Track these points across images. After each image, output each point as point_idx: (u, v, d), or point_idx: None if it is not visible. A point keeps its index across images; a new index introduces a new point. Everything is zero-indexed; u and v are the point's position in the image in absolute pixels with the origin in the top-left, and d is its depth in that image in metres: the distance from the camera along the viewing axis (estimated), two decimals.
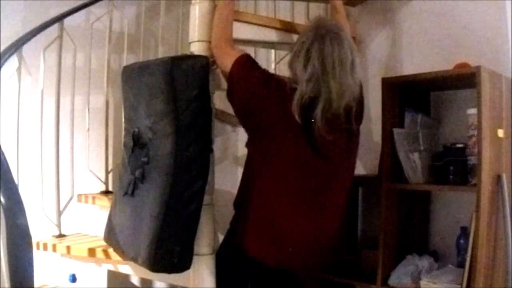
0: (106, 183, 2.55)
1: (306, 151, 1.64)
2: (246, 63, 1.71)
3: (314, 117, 1.59)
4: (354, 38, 2.41)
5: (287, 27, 2.10)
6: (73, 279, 2.27)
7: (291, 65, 1.66)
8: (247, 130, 1.76)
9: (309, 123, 1.60)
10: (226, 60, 1.71)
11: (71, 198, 2.38)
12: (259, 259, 1.68)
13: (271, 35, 2.06)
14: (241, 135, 2.70)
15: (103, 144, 2.55)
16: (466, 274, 1.71)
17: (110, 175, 2.56)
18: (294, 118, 1.59)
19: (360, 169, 2.41)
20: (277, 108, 1.63)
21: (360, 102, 1.74)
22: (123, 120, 1.97)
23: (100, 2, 2.46)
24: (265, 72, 1.73)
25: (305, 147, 1.64)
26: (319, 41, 1.60)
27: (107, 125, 2.56)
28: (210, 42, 1.80)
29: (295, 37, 2.13)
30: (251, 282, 1.72)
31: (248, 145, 1.77)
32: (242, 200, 1.77)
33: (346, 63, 1.60)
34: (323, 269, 1.94)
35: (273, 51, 2.75)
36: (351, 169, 1.77)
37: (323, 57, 1.58)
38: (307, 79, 1.58)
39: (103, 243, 2.04)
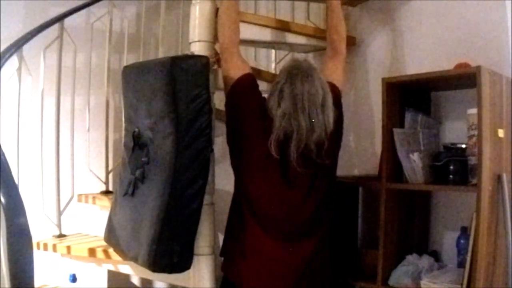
0: (107, 183, 2.55)
1: (281, 184, 1.71)
2: (251, 86, 1.78)
3: (289, 152, 1.66)
4: (354, 38, 2.42)
5: (287, 27, 2.10)
6: (74, 279, 2.27)
7: (267, 104, 1.72)
8: (230, 149, 1.80)
9: (285, 157, 1.67)
10: (232, 70, 1.77)
11: (71, 198, 2.38)
12: (238, 283, 1.73)
13: (271, 35, 2.06)
14: None
15: (103, 144, 2.55)
16: (466, 274, 1.71)
17: (110, 175, 2.56)
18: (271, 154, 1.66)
19: (360, 169, 2.41)
20: (262, 140, 1.68)
21: (335, 135, 1.78)
22: (123, 120, 1.97)
23: (100, 2, 2.46)
24: (263, 102, 1.76)
25: (280, 180, 1.71)
26: (291, 81, 1.68)
27: (107, 125, 2.56)
28: (210, 42, 1.80)
29: (295, 37, 2.14)
30: None
31: (231, 163, 1.81)
32: (228, 226, 1.82)
33: (317, 100, 1.66)
34: None
35: (273, 51, 2.75)
36: (318, 197, 1.79)
37: (294, 95, 1.66)
38: (281, 117, 1.65)
39: (104, 243, 2.04)
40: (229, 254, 1.79)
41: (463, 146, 1.86)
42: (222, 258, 1.83)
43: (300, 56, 2.51)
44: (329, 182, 1.83)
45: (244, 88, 1.76)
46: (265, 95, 1.78)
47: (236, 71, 1.76)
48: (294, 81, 1.67)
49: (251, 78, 1.79)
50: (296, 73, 1.69)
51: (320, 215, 1.79)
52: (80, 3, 2.39)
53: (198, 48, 1.80)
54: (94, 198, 2.45)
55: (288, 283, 1.74)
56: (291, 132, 1.65)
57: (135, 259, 1.74)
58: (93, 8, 2.55)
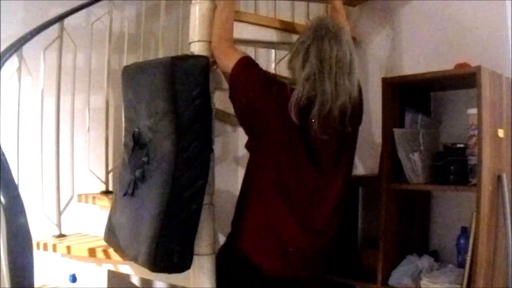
0: (106, 183, 2.55)
1: (302, 156, 1.65)
2: (247, 66, 1.71)
3: (310, 118, 1.60)
4: (354, 38, 2.41)
5: (287, 27, 2.10)
6: (73, 279, 2.27)
7: (290, 64, 1.67)
8: (247, 132, 1.76)
9: (306, 124, 1.61)
10: (227, 61, 1.72)
11: (71, 198, 2.38)
12: (256, 264, 1.69)
13: (271, 35, 2.06)
14: (241, 135, 2.70)
15: (103, 144, 2.55)
16: (466, 274, 1.71)
17: (110, 175, 2.56)
18: (292, 120, 1.60)
19: (360, 169, 2.41)
20: (276, 110, 1.64)
21: (358, 104, 1.74)
22: (123, 120, 1.97)
23: (100, 2, 2.46)
24: (265, 74, 1.73)
25: (301, 151, 1.65)
26: (318, 41, 1.60)
27: (107, 125, 2.56)
28: (210, 42, 1.80)
29: (295, 37, 2.13)
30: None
31: (247, 146, 1.78)
32: (242, 202, 1.78)
33: (344, 64, 1.60)
34: (320, 278, 1.94)
35: (273, 51, 2.75)
36: (343, 172, 1.76)
37: (321, 57, 1.58)
38: (305, 79, 1.59)
39: (103, 243, 2.04)
40: (247, 233, 1.73)
41: (463, 146, 1.86)
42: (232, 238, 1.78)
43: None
44: (351, 160, 1.77)
45: (243, 72, 1.70)
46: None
47: (230, 62, 1.71)
48: (322, 43, 1.59)
49: (246, 59, 1.72)
50: (324, 34, 1.61)
51: (343, 193, 1.75)
52: (80, 3, 2.39)
53: (198, 48, 1.80)
54: (94, 198, 2.45)
55: (308, 265, 1.71)
56: (314, 97, 1.58)
57: (135, 259, 1.74)
58: (93, 8, 2.55)
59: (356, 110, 1.71)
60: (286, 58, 2.62)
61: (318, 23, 1.67)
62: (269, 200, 1.69)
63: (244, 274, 1.72)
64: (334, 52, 1.59)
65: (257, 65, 1.76)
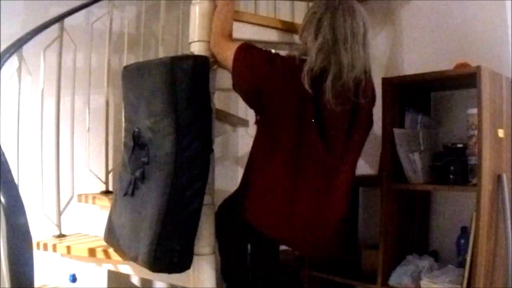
0: (106, 183, 2.55)
1: (313, 129, 1.62)
2: (247, 50, 1.69)
3: (324, 88, 1.57)
4: None
5: (287, 27, 2.09)
6: (73, 279, 2.27)
7: (301, 35, 1.64)
8: (257, 112, 1.74)
9: (319, 94, 1.58)
10: (227, 53, 1.70)
11: (71, 198, 2.38)
12: (261, 229, 1.67)
13: (271, 35, 2.06)
14: (241, 135, 2.70)
15: (103, 144, 2.55)
16: (466, 274, 1.71)
17: (110, 175, 2.56)
18: (303, 91, 1.57)
19: (360, 169, 2.41)
20: (284, 83, 1.61)
21: (370, 77, 1.70)
22: (123, 120, 1.97)
23: (100, 2, 2.46)
24: (267, 52, 1.71)
25: (312, 123, 1.62)
26: (331, 11, 1.58)
27: (107, 125, 2.56)
28: (210, 42, 1.79)
29: (295, 37, 2.14)
30: (251, 248, 1.73)
31: (257, 122, 1.75)
32: (249, 175, 1.75)
33: (358, 34, 1.58)
34: (328, 253, 1.89)
35: (273, 51, 2.75)
36: (357, 148, 1.73)
37: (335, 27, 1.56)
38: (318, 49, 1.56)
39: (103, 243, 2.04)
40: (258, 203, 1.70)
41: (463, 146, 1.86)
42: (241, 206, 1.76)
43: None
44: (362, 139, 1.74)
45: (243, 56, 1.67)
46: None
47: (229, 51, 1.69)
48: (335, 13, 1.57)
49: (245, 45, 1.70)
50: (337, 4, 1.58)
51: (351, 165, 1.72)
52: (80, 3, 2.39)
53: (198, 48, 1.80)
54: (94, 198, 2.45)
55: (322, 236, 1.70)
56: (327, 67, 1.56)
57: (135, 259, 1.74)
58: (93, 8, 2.55)
59: (369, 86, 1.69)
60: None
61: None
62: (279, 171, 1.66)
63: (248, 237, 1.73)
64: (348, 23, 1.56)
65: (256, 47, 1.73)
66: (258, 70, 1.66)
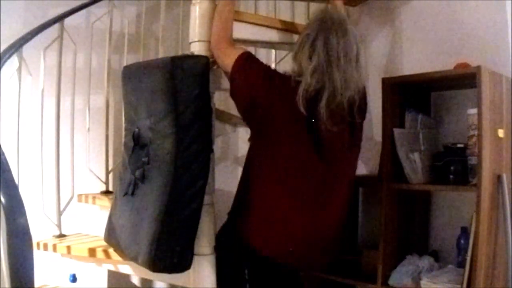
0: (107, 183, 2.55)
1: (309, 147, 1.64)
2: (247, 60, 1.71)
3: (319, 109, 1.58)
4: None
5: (287, 27, 2.09)
6: (74, 279, 2.27)
7: (295, 57, 1.66)
8: (251, 126, 1.75)
9: (314, 115, 1.60)
10: (227, 60, 1.72)
11: (71, 198, 2.38)
12: (259, 250, 1.67)
13: (271, 35, 2.06)
14: (241, 135, 2.70)
15: (103, 144, 2.55)
16: (466, 274, 1.71)
17: (110, 175, 2.56)
18: (298, 112, 1.59)
19: (360, 169, 2.41)
20: (281, 102, 1.63)
21: (363, 96, 1.73)
22: (123, 120, 1.97)
23: (100, 2, 2.46)
24: (267, 68, 1.73)
25: (308, 142, 1.64)
26: (325, 33, 1.60)
27: (107, 125, 2.56)
28: (210, 42, 1.80)
29: (295, 37, 2.13)
30: (249, 272, 1.71)
31: (251, 139, 1.76)
32: (244, 192, 1.76)
33: (351, 54, 1.60)
34: (323, 268, 1.94)
35: (273, 51, 2.75)
36: (353, 164, 1.77)
37: (328, 48, 1.58)
38: (312, 71, 1.58)
39: (104, 243, 2.04)
40: (251, 221, 1.71)
41: (463, 146, 1.86)
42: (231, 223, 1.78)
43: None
44: (358, 151, 1.77)
45: (243, 66, 1.69)
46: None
47: (230, 59, 1.70)
48: (328, 34, 1.59)
49: (246, 54, 1.72)
50: (330, 25, 1.61)
51: (348, 180, 1.74)
52: (80, 3, 2.39)
53: (198, 48, 1.80)
54: (94, 198, 2.45)
55: (313, 252, 1.72)
56: (322, 88, 1.58)
57: (135, 259, 1.74)
58: (93, 8, 2.55)
59: (362, 102, 1.71)
60: (287, 58, 2.64)
61: (324, 15, 1.67)
62: (275, 190, 1.67)
63: (242, 257, 1.71)
64: (341, 44, 1.59)
65: (257, 59, 1.75)
66: (255, 83, 1.67)
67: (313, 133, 1.63)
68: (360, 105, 1.66)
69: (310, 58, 1.59)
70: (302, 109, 1.57)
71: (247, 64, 1.70)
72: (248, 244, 1.70)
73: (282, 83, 1.64)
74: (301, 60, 1.62)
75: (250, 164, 1.76)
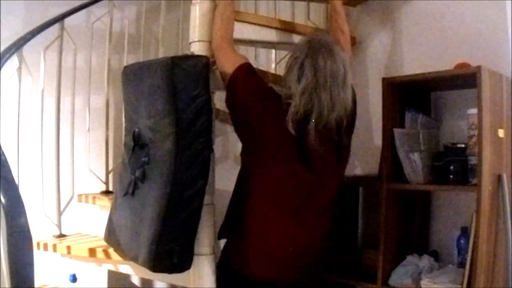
0: (107, 183, 2.55)
1: (298, 166, 1.68)
2: (247, 73, 1.74)
3: (307, 130, 1.63)
4: (354, 38, 2.41)
5: (287, 27, 2.10)
6: (74, 279, 2.27)
7: (284, 79, 1.70)
8: (242, 138, 1.78)
9: (303, 136, 1.64)
10: (227, 65, 1.73)
11: (71, 198, 2.38)
12: (249, 273, 1.70)
13: (271, 35, 2.06)
14: None
15: (104, 144, 2.55)
16: (466, 274, 1.71)
17: (110, 175, 2.56)
18: (288, 132, 1.63)
19: (360, 169, 2.41)
20: (272, 121, 1.67)
21: (352, 115, 1.77)
22: (123, 120, 1.97)
23: (100, 2, 2.46)
24: (264, 83, 1.76)
25: (297, 162, 1.67)
26: (312, 56, 1.64)
27: (107, 125, 2.56)
28: (210, 42, 1.80)
29: (295, 37, 2.14)
30: None
31: (242, 154, 1.80)
32: (234, 211, 1.80)
33: (338, 77, 1.64)
34: (314, 283, 1.96)
35: (273, 51, 2.75)
36: (339, 182, 1.80)
37: (316, 71, 1.62)
38: (301, 93, 1.62)
39: (104, 243, 2.04)
40: (239, 244, 1.75)
41: (463, 146, 1.86)
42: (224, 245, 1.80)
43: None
44: (345, 165, 1.80)
45: (242, 79, 1.72)
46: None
47: (230, 65, 1.73)
48: (316, 57, 1.63)
49: (247, 66, 1.75)
50: (318, 48, 1.65)
51: (334, 198, 1.77)
52: (80, 3, 2.39)
53: (198, 48, 1.80)
54: (94, 198, 2.45)
55: (300, 268, 1.73)
56: (310, 109, 1.61)
57: (135, 259, 1.74)
58: (93, 8, 2.55)
59: (350, 121, 1.75)
60: (287, 58, 2.64)
61: (312, 39, 1.72)
62: (261, 209, 1.71)
63: (229, 281, 1.74)
64: (328, 66, 1.63)
65: (256, 73, 1.78)
66: (252, 98, 1.71)
67: (302, 153, 1.67)
68: (347, 126, 1.70)
69: (299, 80, 1.63)
70: (291, 130, 1.62)
71: (247, 76, 1.73)
72: (229, 264, 1.74)
73: (276, 101, 1.68)
74: (290, 83, 1.65)
75: (241, 183, 1.80)
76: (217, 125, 1.87)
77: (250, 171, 1.75)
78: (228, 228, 1.81)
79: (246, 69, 1.73)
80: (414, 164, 1.90)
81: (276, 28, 2.05)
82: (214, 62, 1.77)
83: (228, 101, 1.76)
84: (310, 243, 1.74)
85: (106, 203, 2.33)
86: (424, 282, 1.84)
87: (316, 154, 1.66)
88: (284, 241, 1.70)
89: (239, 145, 2.00)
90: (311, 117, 1.62)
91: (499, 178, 1.76)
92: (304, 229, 1.71)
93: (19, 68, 2.18)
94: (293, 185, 1.70)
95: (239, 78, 1.71)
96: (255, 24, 1.99)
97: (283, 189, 1.70)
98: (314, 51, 1.65)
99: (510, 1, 1.97)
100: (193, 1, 1.82)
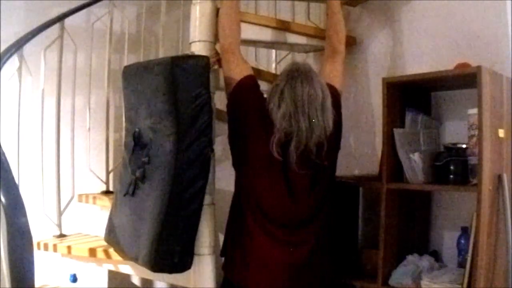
0: (107, 183, 2.55)
1: (281, 190, 1.73)
2: (252, 87, 1.79)
3: (289, 153, 1.67)
4: (354, 38, 2.42)
5: (288, 27, 2.10)
6: (74, 279, 2.28)
7: (267, 105, 1.73)
8: (232, 151, 1.81)
9: (285, 158, 1.69)
10: (235, 70, 1.78)
11: (71, 198, 2.38)
12: (243, 285, 1.74)
13: (272, 35, 2.06)
14: None
15: (104, 144, 2.55)
16: (466, 274, 1.71)
17: (110, 175, 2.56)
18: (273, 157, 1.68)
19: (360, 169, 2.41)
20: (262, 140, 1.70)
21: (335, 139, 1.81)
22: (123, 120, 1.97)
23: (100, 2, 2.46)
24: (264, 101, 1.77)
25: (281, 185, 1.73)
26: (291, 83, 1.69)
27: (107, 125, 2.57)
28: (210, 42, 1.80)
29: (295, 37, 2.14)
30: None
31: (234, 166, 1.83)
32: (229, 228, 1.84)
33: (316, 102, 1.68)
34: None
35: (273, 51, 2.75)
36: (313, 202, 1.82)
37: (294, 97, 1.67)
38: (281, 118, 1.67)
39: (104, 243, 2.04)
40: (231, 256, 1.80)
41: (463, 146, 1.86)
42: (223, 258, 1.83)
43: (300, 57, 2.51)
44: (328, 184, 1.84)
45: (246, 90, 1.77)
46: (266, 96, 1.78)
47: (238, 72, 1.78)
48: (295, 83, 1.69)
49: (253, 80, 1.81)
50: (297, 75, 1.71)
51: (319, 216, 1.81)
52: (80, 3, 2.39)
53: (198, 48, 1.80)
54: (94, 198, 2.45)
55: (289, 283, 1.75)
56: (291, 133, 1.67)
57: (135, 259, 1.74)
58: (94, 8, 2.55)
59: (332, 145, 1.79)
60: (287, 58, 2.64)
61: (292, 67, 1.77)
62: (247, 220, 1.75)
63: None
64: (306, 91, 1.68)
65: (259, 87, 1.84)
66: (249, 115, 1.76)
67: (284, 173, 1.72)
68: (329, 147, 1.73)
69: (279, 106, 1.68)
70: (275, 154, 1.67)
71: (252, 90, 1.79)
72: (232, 281, 1.77)
73: (270, 124, 1.70)
74: (272, 109, 1.69)
75: (234, 196, 1.85)
76: (217, 125, 1.87)
77: (240, 186, 1.81)
78: (225, 242, 1.85)
79: (251, 84, 1.80)
80: (414, 164, 1.90)
81: (276, 28, 2.05)
82: (214, 62, 1.78)
83: (229, 108, 1.80)
84: (296, 257, 1.77)
85: (106, 203, 2.33)
86: (424, 282, 1.84)
87: (297, 177, 1.72)
88: (271, 258, 1.74)
89: None
90: (292, 140, 1.67)
91: (499, 178, 1.76)
92: (289, 250, 1.76)
93: (20, 68, 2.19)
94: (278, 204, 1.75)
95: (242, 92, 1.77)
96: (255, 24, 1.99)
97: (268, 207, 1.75)
98: (293, 78, 1.70)
99: (510, 1, 1.97)
100: (194, 1, 1.82)
